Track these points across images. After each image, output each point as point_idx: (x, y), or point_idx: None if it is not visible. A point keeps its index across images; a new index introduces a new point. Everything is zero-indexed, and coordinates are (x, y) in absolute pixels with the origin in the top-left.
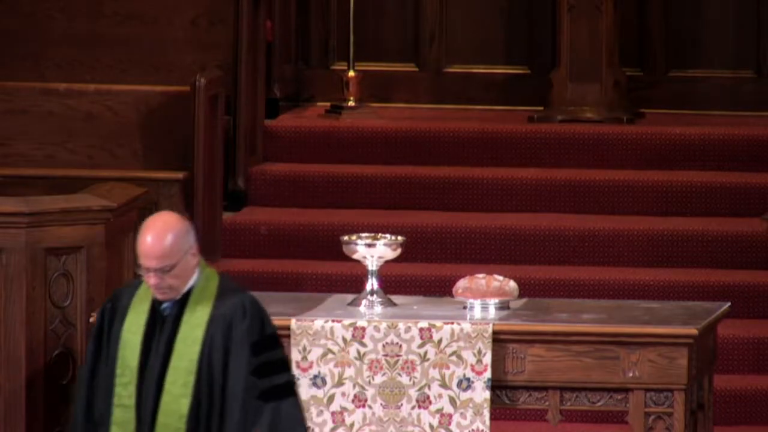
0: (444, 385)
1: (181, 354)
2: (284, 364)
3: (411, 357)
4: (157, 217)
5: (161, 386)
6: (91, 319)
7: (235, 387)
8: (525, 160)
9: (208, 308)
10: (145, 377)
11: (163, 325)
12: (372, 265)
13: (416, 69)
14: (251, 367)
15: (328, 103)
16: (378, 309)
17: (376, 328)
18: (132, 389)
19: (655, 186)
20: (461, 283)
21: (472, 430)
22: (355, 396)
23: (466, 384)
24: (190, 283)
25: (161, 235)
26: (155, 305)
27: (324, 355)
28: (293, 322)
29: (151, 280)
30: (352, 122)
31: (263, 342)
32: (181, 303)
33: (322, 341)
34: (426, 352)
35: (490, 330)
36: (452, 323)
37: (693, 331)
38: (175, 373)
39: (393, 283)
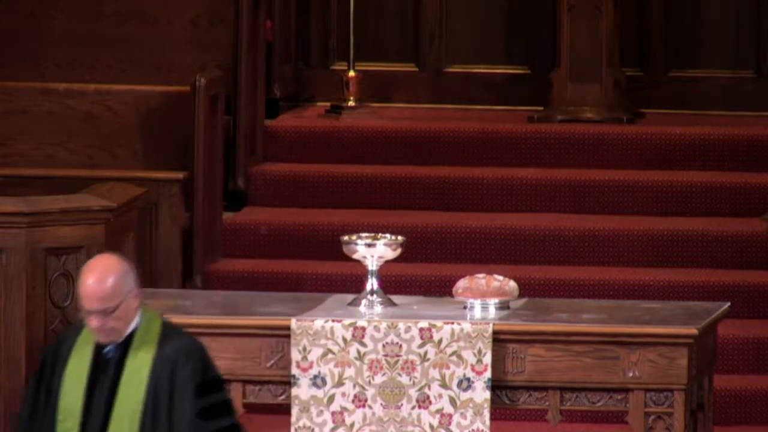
0: (444, 385)
1: (126, 397)
2: (229, 407)
3: (411, 357)
4: (98, 259)
5: (105, 430)
6: None
7: (181, 428)
8: (525, 160)
9: (151, 350)
10: (88, 422)
11: (106, 369)
12: (372, 265)
13: (416, 69)
14: (196, 409)
15: (328, 103)
16: (378, 309)
17: (376, 328)
18: None
19: (655, 186)
20: (461, 283)
21: (472, 430)
22: (355, 396)
23: (466, 384)
24: (133, 325)
25: (102, 277)
26: (98, 349)
27: (324, 355)
28: (293, 322)
29: (93, 322)
30: (352, 122)
31: (207, 384)
32: (124, 346)
33: (322, 341)
34: (426, 352)
35: (490, 330)
36: (452, 323)
37: (693, 331)
38: (120, 417)
39: (393, 283)
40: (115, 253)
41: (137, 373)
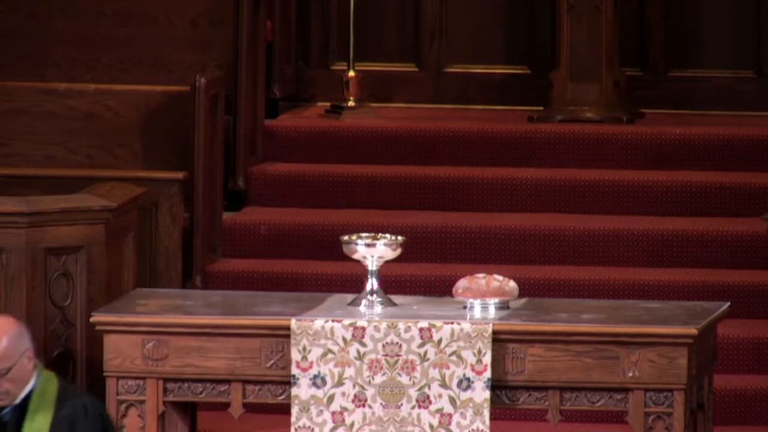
0: (444, 385)
1: None
2: None
3: (411, 357)
4: None
5: None
6: (92, 319)
7: None
8: (525, 160)
9: (49, 412)
10: None
11: None
12: (372, 265)
13: (416, 69)
14: None
15: (328, 103)
16: (378, 309)
17: (376, 328)
18: None
19: (655, 186)
20: (461, 283)
21: (472, 430)
22: (355, 396)
23: (466, 384)
24: (29, 387)
25: None
26: None
27: (324, 355)
28: (293, 322)
29: None
30: (352, 122)
31: None
32: (21, 408)
33: (322, 341)
34: (426, 352)
35: (490, 330)
36: (452, 323)
37: (693, 331)
38: None
39: (393, 283)
40: (8, 315)
41: None
